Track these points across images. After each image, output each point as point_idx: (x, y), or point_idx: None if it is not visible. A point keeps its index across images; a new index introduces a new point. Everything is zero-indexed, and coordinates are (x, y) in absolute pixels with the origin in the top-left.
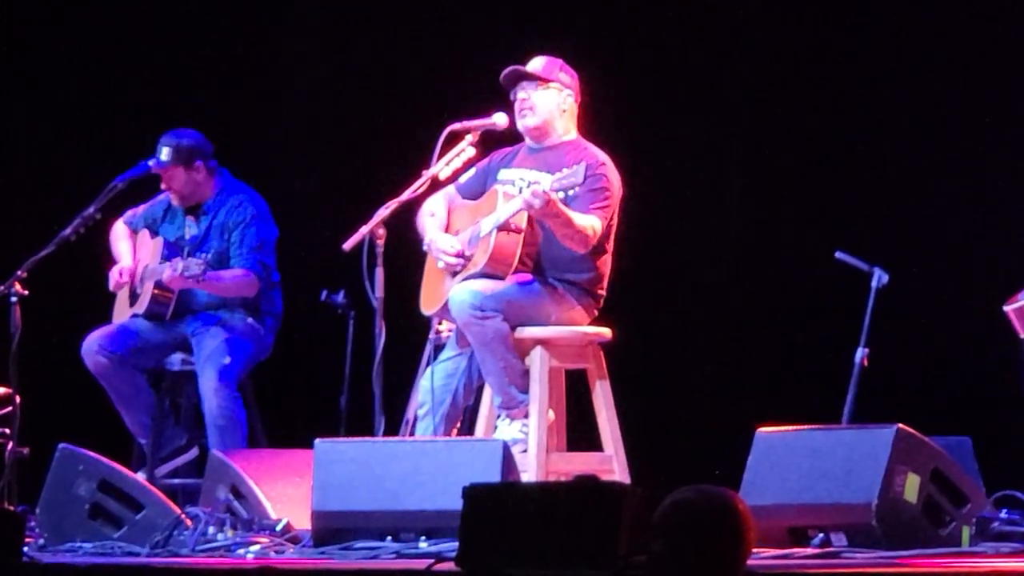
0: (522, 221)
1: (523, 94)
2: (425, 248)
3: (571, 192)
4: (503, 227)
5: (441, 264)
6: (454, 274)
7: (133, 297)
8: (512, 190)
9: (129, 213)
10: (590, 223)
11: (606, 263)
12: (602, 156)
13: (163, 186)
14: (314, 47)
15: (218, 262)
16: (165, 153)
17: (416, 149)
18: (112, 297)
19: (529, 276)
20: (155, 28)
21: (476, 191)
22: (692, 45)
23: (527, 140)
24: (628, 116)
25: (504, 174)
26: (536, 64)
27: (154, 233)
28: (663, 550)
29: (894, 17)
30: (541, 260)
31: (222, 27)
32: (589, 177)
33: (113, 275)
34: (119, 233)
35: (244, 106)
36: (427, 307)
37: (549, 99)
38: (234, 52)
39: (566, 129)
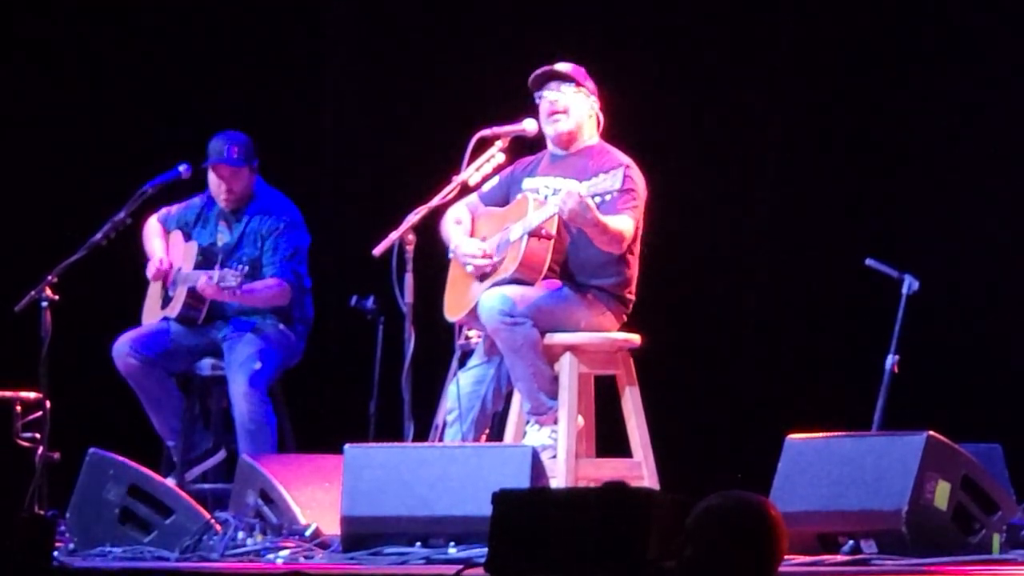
0: (552, 227)
1: (554, 95)
2: (451, 255)
3: (608, 197)
4: (534, 233)
5: (470, 268)
6: (481, 279)
7: (165, 299)
8: (540, 197)
9: (163, 211)
10: (624, 225)
11: (633, 267)
12: (626, 159)
13: (223, 187)
14: (345, 54)
15: (252, 269)
16: (238, 152)
17: (446, 155)
18: (142, 301)
19: (558, 282)
20: (187, 35)
21: (499, 200)
22: (719, 49)
23: (551, 147)
24: (656, 120)
25: (528, 183)
26: (564, 67)
27: (187, 236)
28: (695, 556)
29: (925, 19)
30: (569, 265)
31: (254, 34)
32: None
33: (153, 264)
34: (152, 230)
35: (275, 112)
36: (452, 313)
37: (580, 102)
38: (266, 59)
39: (591, 134)
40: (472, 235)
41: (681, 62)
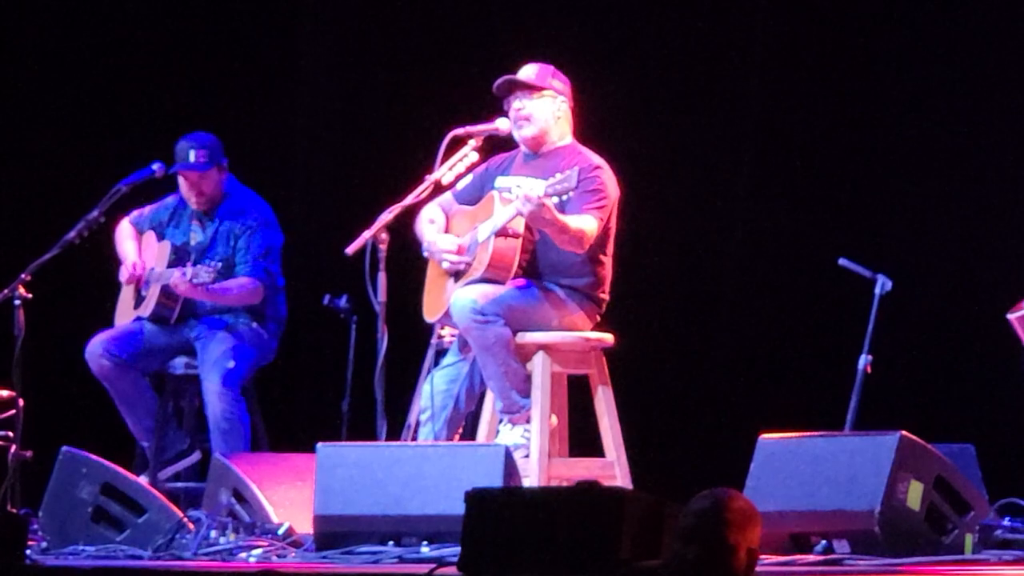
0: (520, 226)
1: (518, 104)
2: (425, 252)
3: (565, 197)
4: (501, 232)
5: (445, 264)
6: (456, 278)
7: (138, 299)
8: (509, 196)
9: (135, 213)
10: (585, 224)
11: (607, 268)
12: (597, 159)
13: (193, 190)
14: (319, 54)
15: (225, 268)
16: (204, 156)
17: (419, 154)
18: (115, 300)
19: (530, 281)
20: (161, 32)
21: (473, 197)
22: (695, 49)
23: (523, 147)
24: (631, 120)
25: (501, 181)
26: (528, 72)
27: (160, 236)
28: (689, 555)
29: (898, 23)
30: (541, 265)
31: (229, 32)
32: (583, 180)
33: (125, 268)
34: (125, 232)
35: (249, 111)
36: (430, 314)
37: (544, 107)
38: (240, 58)
39: (561, 135)
40: (447, 233)
41: (657, 63)
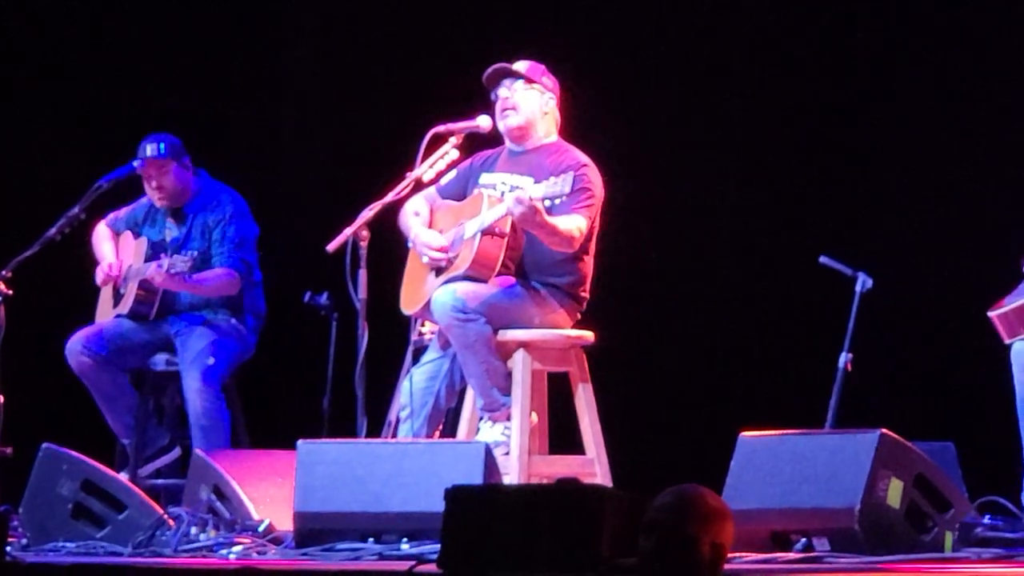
0: (506, 226)
1: (505, 92)
2: (410, 245)
3: (558, 201)
4: (487, 231)
5: (425, 259)
6: (437, 273)
7: (117, 297)
8: (496, 194)
9: (111, 216)
10: (575, 224)
11: (588, 266)
12: (584, 158)
13: (153, 184)
14: (300, 50)
15: (201, 262)
16: (162, 148)
17: (400, 151)
18: (95, 297)
19: (512, 279)
20: (144, 28)
21: (457, 193)
22: (679, 48)
23: (508, 143)
24: (613, 118)
25: (486, 178)
26: (520, 65)
27: (136, 235)
28: (654, 550)
29: (881, 22)
30: (524, 263)
31: (209, 28)
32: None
33: (101, 269)
34: (101, 235)
35: (230, 107)
36: (407, 306)
37: (531, 99)
38: (221, 54)
39: (547, 131)
40: (430, 227)
41: (642, 63)
